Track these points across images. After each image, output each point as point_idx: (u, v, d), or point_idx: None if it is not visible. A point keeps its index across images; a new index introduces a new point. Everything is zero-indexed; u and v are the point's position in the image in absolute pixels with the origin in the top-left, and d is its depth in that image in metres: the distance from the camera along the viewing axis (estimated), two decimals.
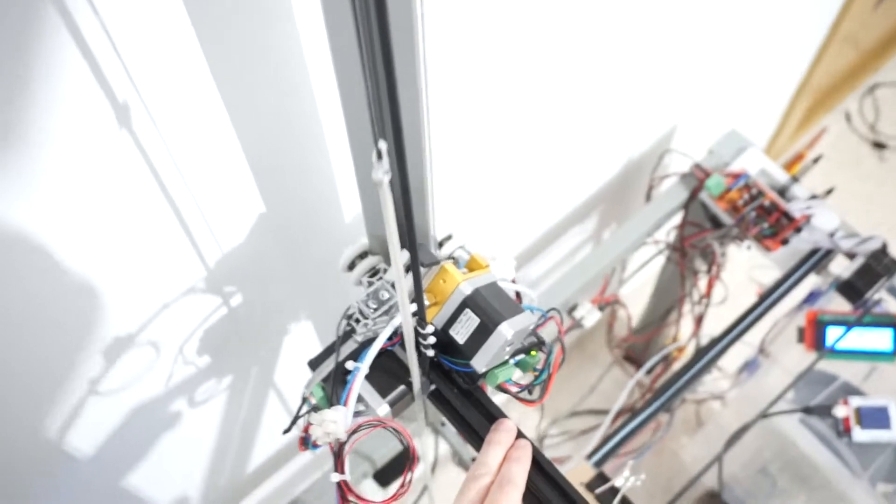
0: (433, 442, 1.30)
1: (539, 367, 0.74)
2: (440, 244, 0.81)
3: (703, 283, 1.57)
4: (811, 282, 1.32)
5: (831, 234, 1.27)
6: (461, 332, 0.69)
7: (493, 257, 0.77)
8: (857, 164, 2.83)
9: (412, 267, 0.58)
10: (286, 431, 0.74)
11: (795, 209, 1.27)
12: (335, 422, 0.65)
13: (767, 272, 1.39)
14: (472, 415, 0.73)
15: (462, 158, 1.03)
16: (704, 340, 1.34)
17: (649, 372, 1.66)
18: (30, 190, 0.60)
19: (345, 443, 0.66)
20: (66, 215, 0.64)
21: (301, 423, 0.72)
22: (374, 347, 0.69)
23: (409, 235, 0.52)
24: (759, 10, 1.55)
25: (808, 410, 1.30)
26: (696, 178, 1.37)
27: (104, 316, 0.75)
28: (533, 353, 0.74)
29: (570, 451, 2.01)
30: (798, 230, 1.27)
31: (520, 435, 0.70)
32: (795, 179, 1.32)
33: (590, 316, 1.28)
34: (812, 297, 1.37)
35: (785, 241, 1.28)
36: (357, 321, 0.72)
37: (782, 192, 1.31)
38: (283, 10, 0.65)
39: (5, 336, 0.69)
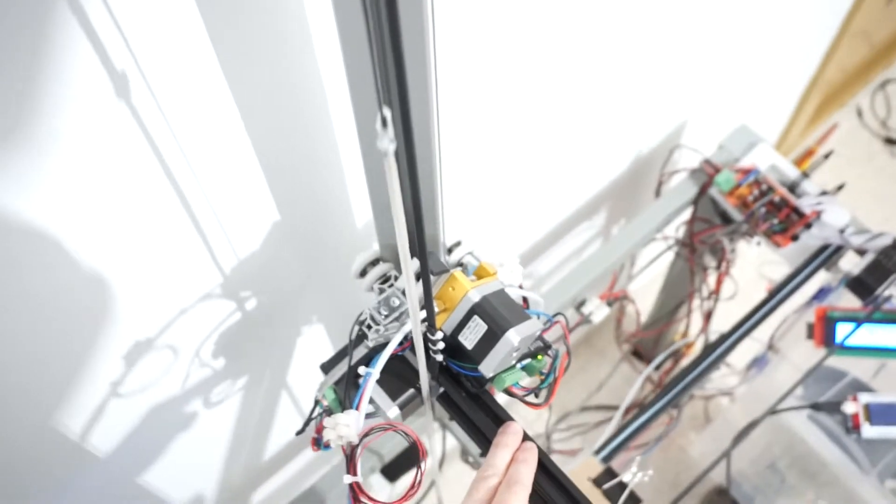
0: (441, 437, 1.30)
1: (545, 370, 0.76)
2: (449, 250, 0.83)
3: (712, 279, 1.57)
4: (821, 278, 1.32)
5: (842, 231, 1.26)
6: (469, 338, 0.71)
7: (500, 264, 0.79)
8: (868, 160, 2.82)
9: (422, 275, 0.60)
10: (299, 433, 0.76)
11: (805, 205, 1.26)
12: (348, 425, 0.67)
13: (777, 268, 1.39)
14: (479, 417, 0.75)
15: (470, 155, 1.03)
16: (713, 336, 1.34)
17: (657, 368, 1.66)
18: (50, 196, 0.61)
19: (357, 445, 0.68)
20: (91, 227, 0.66)
21: (313, 424, 0.74)
22: (385, 353, 0.71)
23: (420, 244, 0.54)
24: (770, 4, 1.55)
25: (816, 407, 1.29)
26: (706, 174, 1.37)
27: (125, 321, 0.78)
28: (539, 357, 0.76)
29: (579, 446, 2.01)
30: (808, 226, 1.27)
31: (526, 437, 0.72)
32: (806, 175, 1.32)
33: (598, 311, 1.28)
34: (822, 293, 1.36)
35: (795, 238, 1.27)
36: (369, 327, 0.74)
37: (792, 187, 1.31)
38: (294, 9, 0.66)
39: (35, 340, 0.71)
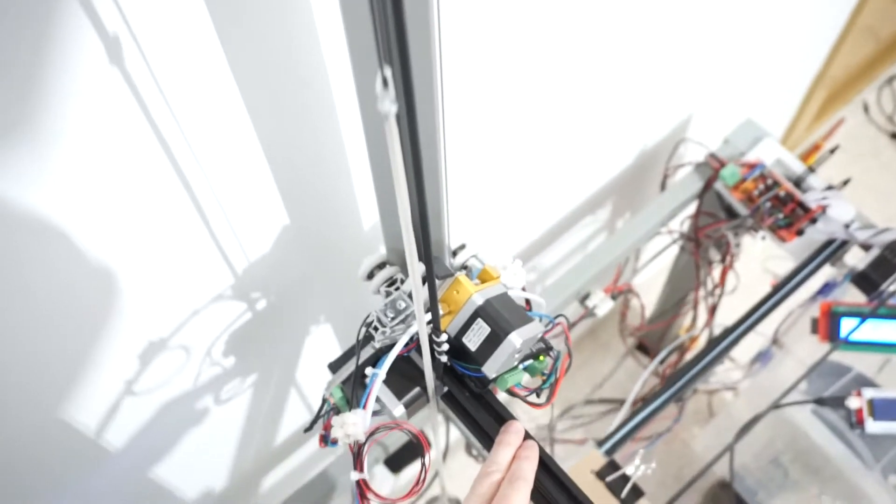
0: (444, 430, 1.31)
1: (547, 371, 0.77)
2: (454, 253, 0.85)
3: (716, 273, 1.57)
4: (826, 273, 1.32)
5: (847, 226, 1.26)
6: (473, 340, 0.73)
7: (504, 266, 0.81)
8: (874, 155, 2.82)
9: (428, 279, 0.61)
10: (307, 430, 0.79)
11: (811, 200, 1.26)
12: (355, 424, 0.69)
13: (782, 263, 1.39)
14: (482, 417, 0.78)
15: (476, 148, 1.03)
16: (717, 331, 1.34)
17: (662, 362, 1.66)
18: (65, 198, 0.63)
19: (364, 443, 0.70)
20: (107, 230, 0.68)
21: (321, 421, 0.76)
22: (391, 354, 0.73)
23: (426, 250, 0.57)
24: None
25: (820, 401, 1.30)
26: (711, 168, 1.37)
27: (140, 322, 0.80)
28: (541, 357, 0.78)
29: (580, 443, 2.01)
30: (813, 221, 1.26)
31: (527, 436, 0.75)
32: (811, 170, 1.31)
33: (603, 305, 1.28)
34: (826, 288, 1.36)
35: (800, 232, 1.27)
36: (375, 329, 0.76)
37: (798, 182, 1.31)
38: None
39: (50, 342, 0.73)
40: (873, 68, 2.87)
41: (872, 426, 1.21)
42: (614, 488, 1.06)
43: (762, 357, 1.62)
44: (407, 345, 0.74)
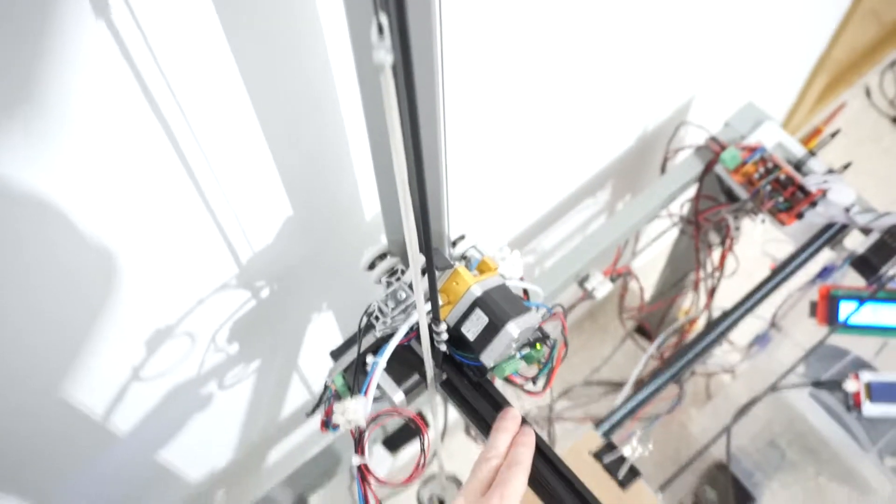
0: (442, 411, 1.31)
1: (543, 359, 0.80)
2: (453, 243, 0.87)
3: (716, 255, 1.57)
4: (825, 257, 1.32)
5: (847, 209, 1.26)
6: (472, 330, 0.75)
7: (502, 257, 0.84)
8: (875, 139, 2.81)
9: (428, 271, 0.63)
10: (309, 415, 0.81)
11: (811, 183, 1.26)
12: (356, 410, 0.71)
13: (781, 246, 1.39)
14: (480, 404, 0.81)
15: (475, 129, 1.03)
16: (716, 313, 1.34)
17: (661, 345, 1.66)
18: (76, 188, 0.64)
19: (365, 429, 0.72)
20: (117, 221, 0.70)
21: (323, 407, 0.79)
22: (392, 343, 0.75)
23: (426, 242, 0.58)
24: None
25: (818, 384, 1.30)
26: (712, 151, 1.36)
27: (147, 310, 0.83)
28: (538, 346, 0.80)
29: (581, 421, 2.02)
30: (813, 204, 1.26)
31: (524, 422, 0.77)
32: (812, 154, 1.31)
33: (601, 287, 1.28)
34: (826, 271, 1.36)
35: (800, 216, 1.27)
36: (377, 318, 0.78)
37: (798, 166, 1.31)
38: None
39: (63, 326, 0.75)
40: (876, 52, 2.86)
41: (869, 409, 1.21)
42: (612, 469, 1.06)
43: (760, 340, 1.62)
44: (407, 334, 0.76)
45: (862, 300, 1.25)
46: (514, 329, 0.73)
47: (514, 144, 1.16)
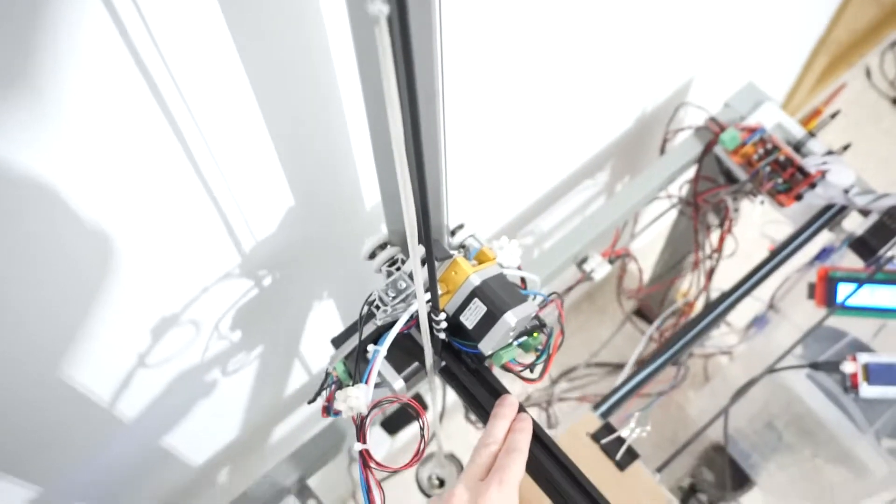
0: (441, 394, 1.32)
1: (540, 347, 0.82)
2: (452, 232, 0.88)
3: (714, 237, 1.57)
4: (824, 238, 1.32)
5: (846, 191, 1.26)
6: (470, 319, 0.77)
7: (500, 247, 0.86)
8: (875, 121, 2.80)
9: (427, 261, 0.64)
10: (311, 402, 0.82)
11: (811, 165, 1.25)
12: (358, 398, 0.73)
13: (780, 228, 1.39)
14: (478, 391, 0.83)
15: (473, 108, 1.02)
16: (714, 295, 1.34)
17: (659, 326, 1.67)
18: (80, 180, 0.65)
19: (366, 416, 0.74)
20: (123, 213, 0.71)
21: (324, 393, 0.81)
22: (392, 332, 0.76)
23: (426, 233, 0.59)
24: None
25: (815, 366, 1.30)
26: (711, 132, 1.36)
27: (153, 298, 0.84)
28: (535, 334, 0.82)
29: (575, 404, 2.03)
30: (812, 186, 1.26)
31: (521, 409, 0.79)
32: (812, 135, 1.31)
33: (600, 269, 1.28)
34: (824, 253, 1.36)
35: (799, 197, 1.27)
36: (377, 307, 0.79)
37: (798, 147, 1.30)
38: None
39: (69, 315, 0.76)
40: (877, 32, 2.84)
41: (866, 390, 1.22)
42: (609, 451, 1.07)
43: (758, 321, 1.62)
44: (407, 322, 0.77)
45: (860, 282, 1.25)
46: (512, 318, 0.75)
47: (512, 126, 1.15)
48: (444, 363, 0.84)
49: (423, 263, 0.64)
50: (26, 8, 0.50)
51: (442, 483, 1.16)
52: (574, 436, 1.08)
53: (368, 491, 0.72)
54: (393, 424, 1.37)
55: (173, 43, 0.61)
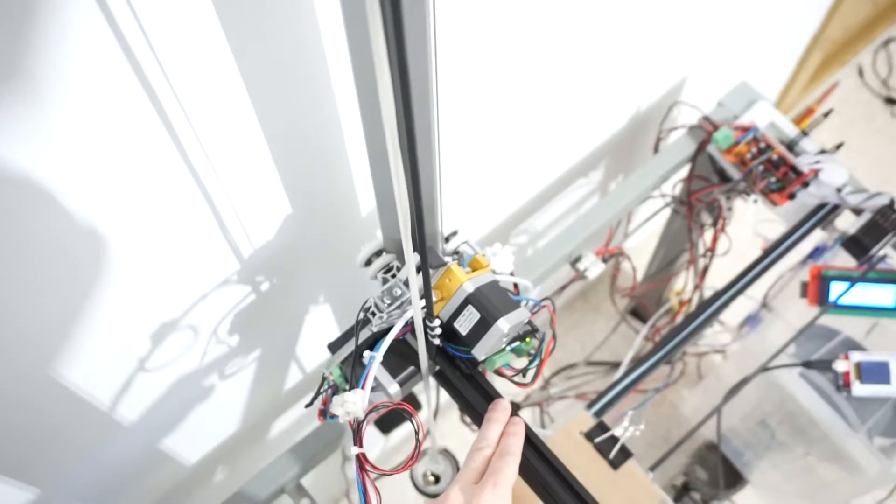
0: (435, 392, 1.32)
1: (533, 352, 0.84)
2: (447, 239, 0.90)
3: (708, 236, 1.57)
4: (817, 237, 1.32)
5: (839, 190, 1.26)
6: (464, 325, 0.79)
7: (493, 253, 0.88)
8: (868, 119, 2.81)
9: (422, 269, 0.66)
10: (308, 405, 0.84)
11: (804, 164, 1.26)
12: (355, 402, 0.75)
13: (773, 227, 1.39)
14: (472, 395, 0.85)
15: (464, 109, 1.02)
16: (708, 294, 1.34)
17: (654, 325, 1.67)
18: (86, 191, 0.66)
19: (363, 420, 0.75)
20: (123, 222, 0.73)
21: (321, 397, 0.83)
22: (388, 338, 0.78)
23: (420, 242, 0.60)
24: None
25: (808, 364, 1.30)
26: (705, 131, 1.36)
27: (153, 304, 0.86)
28: (527, 339, 0.84)
29: (572, 401, 2.03)
30: (805, 185, 1.26)
31: (513, 413, 0.81)
32: (805, 134, 1.31)
33: (594, 267, 1.28)
34: (817, 252, 1.36)
35: (792, 196, 1.27)
36: (373, 314, 0.81)
37: (791, 146, 1.30)
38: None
39: (70, 320, 0.77)
40: (870, 31, 2.85)
41: (859, 389, 1.22)
42: (603, 449, 1.07)
43: (751, 320, 1.62)
44: (402, 329, 0.79)
45: (852, 280, 1.25)
46: (505, 325, 0.77)
47: (505, 125, 1.15)
48: (438, 368, 0.86)
49: (417, 271, 0.65)
50: (21, 4, 0.50)
51: (437, 479, 1.16)
52: (567, 435, 1.08)
53: (365, 493, 0.74)
54: (386, 423, 1.37)
55: (171, 51, 0.61)
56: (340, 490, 2.00)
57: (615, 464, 1.06)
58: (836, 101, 2.70)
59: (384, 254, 0.87)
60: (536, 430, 0.84)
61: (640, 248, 2.17)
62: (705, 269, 1.59)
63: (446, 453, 1.18)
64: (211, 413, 1.13)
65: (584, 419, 1.10)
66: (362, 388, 0.76)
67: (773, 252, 1.25)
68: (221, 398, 1.13)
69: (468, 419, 1.33)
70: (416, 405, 1.32)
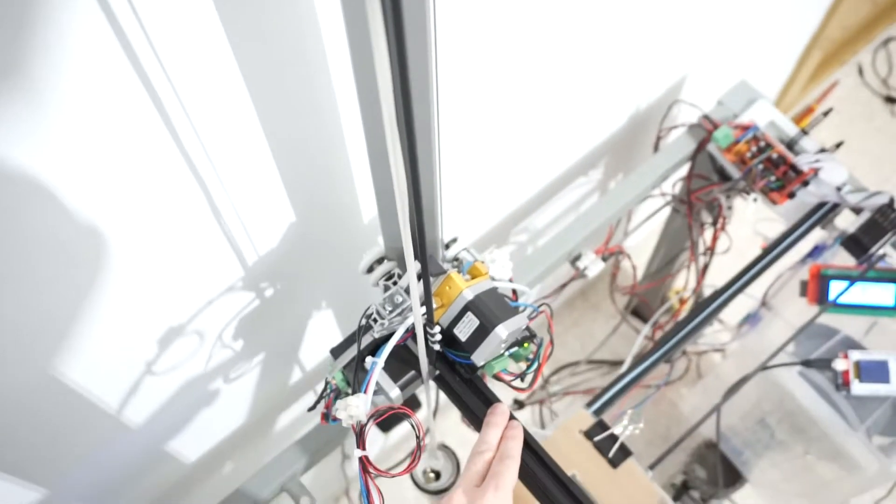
0: (435, 391, 1.32)
1: (531, 357, 0.86)
2: (447, 246, 0.92)
3: (707, 235, 1.57)
4: (816, 236, 1.32)
5: (838, 189, 1.26)
6: (463, 331, 0.81)
7: (492, 260, 0.89)
8: (868, 118, 2.81)
9: (423, 277, 0.68)
10: (311, 409, 0.86)
11: (803, 162, 1.26)
12: (357, 407, 0.77)
13: (773, 226, 1.39)
14: (471, 399, 0.87)
15: (465, 107, 1.02)
16: (708, 292, 1.34)
17: (654, 324, 1.67)
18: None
19: (365, 424, 0.78)
20: (134, 234, 0.75)
21: (323, 401, 0.85)
22: (389, 344, 0.81)
23: (421, 251, 0.62)
24: None
25: (807, 363, 1.30)
26: (705, 130, 1.36)
27: (160, 310, 0.88)
28: (525, 345, 0.86)
29: (571, 400, 2.03)
30: (805, 184, 1.26)
31: (512, 416, 0.83)
32: (805, 133, 1.31)
33: (593, 266, 1.28)
34: (816, 251, 1.36)
35: (791, 195, 1.27)
36: (375, 320, 0.83)
37: (791, 145, 1.30)
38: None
39: (80, 325, 0.79)
40: (870, 30, 2.85)
41: (858, 388, 1.22)
42: (602, 448, 1.07)
43: (751, 319, 1.62)
44: (403, 335, 0.81)
45: (852, 280, 1.25)
46: (503, 331, 0.79)
47: (506, 124, 1.15)
48: (438, 372, 0.88)
49: (418, 279, 0.67)
50: (21, 2, 0.50)
51: (437, 475, 1.16)
52: (567, 433, 1.09)
53: (368, 495, 0.76)
54: (386, 422, 1.37)
55: (172, 52, 0.62)
56: (340, 488, 2.00)
57: (614, 462, 1.06)
58: (835, 100, 2.70)
59: (385, 261, 0.89)
60: (536, 429, 0.86)
61: (640, 246, 2.17)
62: (705, 268, 1.59)
63: (445, 448, 1.18)
64: (213, 412, 1.14)
65: (583, 417, 1.10)
66: (365, 392, 0.78)
67: (772, 251, 1.25)
68: (224, 398, 1.14)
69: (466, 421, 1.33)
70: (417, 403, 1.33)
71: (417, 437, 0.77)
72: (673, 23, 1.35)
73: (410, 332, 0.81)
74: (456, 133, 1.04)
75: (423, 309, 0.73)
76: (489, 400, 0.86)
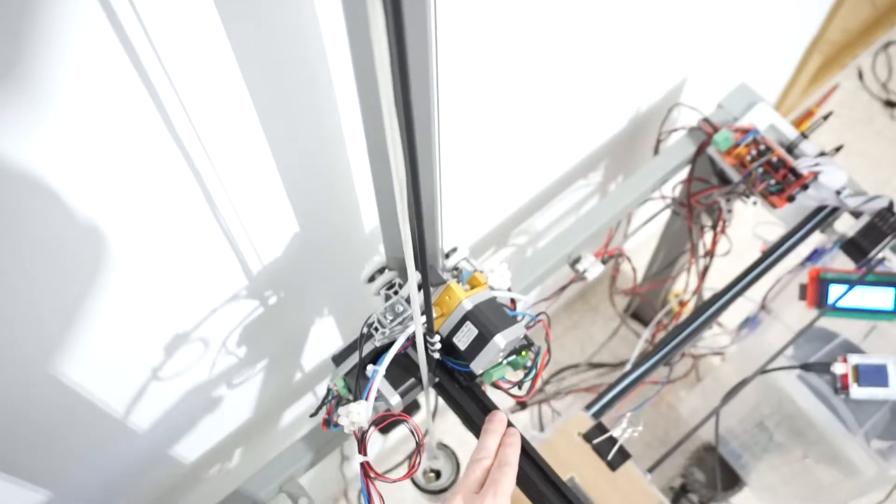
0: (434, 394, 1.32)
1: (528, 365, 0.88)
2: (447, 255, 0.93)
3: (707, 238, 1.57)
4: (815, 239, 1.32)
5: (838, 192, 1.26)
6: (462, 340, 0.83)
7: (491, 269, 0.91)
8: (867, 122, 2.81)
9: (423, 287, 0.70)
10: (313, 415, 0.88)
11: (803, 166, 1.26)
12: (359, 413, 0.79)
13: (772, 229, 1.39)
14: (470, 407, 0.89)
15: (465, 110, 1.02)
16: (708, 295, 1.34)
17: (654, 325, 1.67)
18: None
19: (367, 430, 0.79)
20: (142, 246, 0.76)
21: (325, 407, 0.87)
22: (390, 352, 0.82)
23: (422, 262, 0.63)
24: None
25: (806, 367, 1.31)
26: (705, 133, 1.36)
27: (165, 317, 0.89)
28: (523, 353, 0.87)
29: (571, 401, 2.03)
30: (805, 187, 1.26)
31: (509, 424, 0.85)
32: (804, 136, 1.31)
33: (593, 269, 1.28)
34: (816, 254, 1.37)
35: (791, 198, 1.27)
36: (376, 329, 0.85)
37: (790, 148, 1.30)
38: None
39: (90, 333, 0.79)
40: (869, 34, 2.85)
41: (857, 392, 1.22)
42: (601, 450, 1.07)
43: (750, 322, 1.62)
44: (404, 343, 0.83)
45: (851, 283, 1.25)
46: (502, 341, 0.81)
47: (506, 126, 1.15)
48: (437, 380, 0.90)
49: (419, 289, 0.68)
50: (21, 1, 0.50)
51: (437, 475, 1.17)
52: (566, 436, 1.09)
53: (370, 500, 0.77)
54: (386, 425, 1.37)
55: (173, 52, 0.62)
56: (339, 489, 2.00)
57: (613, 465, 1.06)
58: (835, 104, 2.71)
59: (387, 271, 0.91)
60: (535, 432, 0.86)
61: (640, 249, 2.17)
62: (705, 271, 1.59)
63: (445, 448, 1.18)
64: (215, 416, 1.15)
65: (582, 420, 1.10)
66: (366, 399, 0.80)
67: (772, 254, 1.25)
68: (227, 403, 1.15)
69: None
70: (416, 405, 1.33)
71: (417, 444, 0.79)
72: (673, 26, 1.35)
73: (411, 340, 0.83)
74: (456, 135, 1.04)
75: (424, 318, 0.74)
76: (487, 407, 0.88)
